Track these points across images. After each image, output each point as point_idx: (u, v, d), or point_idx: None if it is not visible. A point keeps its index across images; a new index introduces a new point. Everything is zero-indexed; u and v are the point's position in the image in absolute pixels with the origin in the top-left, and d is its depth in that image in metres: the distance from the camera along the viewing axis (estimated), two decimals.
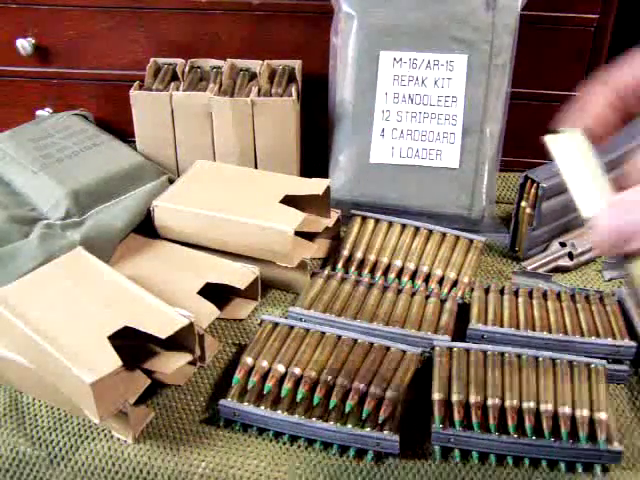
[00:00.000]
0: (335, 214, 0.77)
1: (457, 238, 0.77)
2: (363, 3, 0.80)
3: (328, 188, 0.74)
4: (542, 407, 0.54)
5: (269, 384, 0.57)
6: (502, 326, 0.64)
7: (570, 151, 0.31)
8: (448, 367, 0.58)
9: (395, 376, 0.58)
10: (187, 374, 0.62)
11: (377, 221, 0.78)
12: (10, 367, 0.59)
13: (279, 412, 0.56)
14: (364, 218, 0.79)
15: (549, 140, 0.33)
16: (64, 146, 0.82)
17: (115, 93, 0.91)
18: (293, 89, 0.81)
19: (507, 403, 0.55)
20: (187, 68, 0.86)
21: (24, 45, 0.90)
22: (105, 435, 0.57)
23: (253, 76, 0.85)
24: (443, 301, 0.69)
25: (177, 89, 0.83)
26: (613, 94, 0.33)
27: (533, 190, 0.74)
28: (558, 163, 0.32)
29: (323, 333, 0.62)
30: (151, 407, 0.59)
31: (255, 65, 0.85)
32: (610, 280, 0.74)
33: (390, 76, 0.81)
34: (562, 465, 0.54)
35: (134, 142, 0.85)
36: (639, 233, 0.29)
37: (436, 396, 0.55)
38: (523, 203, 0.75)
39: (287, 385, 0.57)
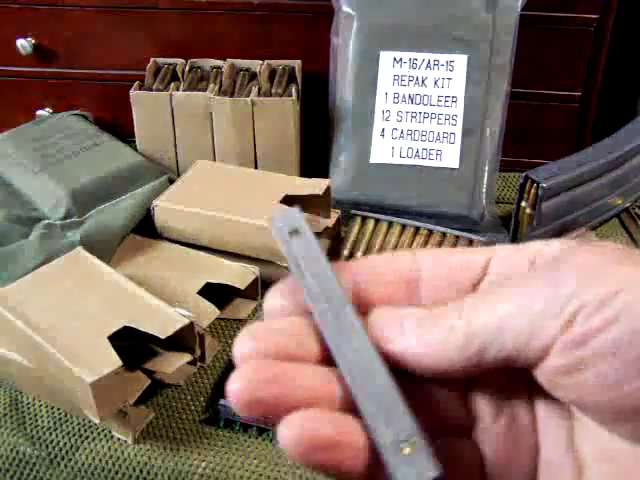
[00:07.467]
0: (335, 214, 0.77)
1: (457, 238, 0.77)
2: (363, 3, 0.80)
3: (328, 188, 0.74)
4: None
5: None
6: None
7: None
8: None
9: None
10: (187, 374, 0.62)
11: (377, 221, 0.78)
12: (10, 367, 0.59)
13: None
14: (364, 218, 0.79)
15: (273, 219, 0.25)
16: (64, 146, 0.82)
17: (115, 93, 0.91)
18: (293, 89, 0.81)
19: None
20: (187, 68, 0.85)
21: (24, 45, 0.90)
22: (105, 435, 0.57)
23: (253, 76, 0.85)
24: None
25: (177, 89, 0.82)
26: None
27: (533, 190, 0.73)
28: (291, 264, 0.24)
29: None
30: (151, 407, 0.59)
31: (255, 65, 0.85)
32: None
33: (390, 76, 0.80)
34: None
35: (134, 142, 0.85)
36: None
37: None
38: (523, 203, 0.75)
39: None
